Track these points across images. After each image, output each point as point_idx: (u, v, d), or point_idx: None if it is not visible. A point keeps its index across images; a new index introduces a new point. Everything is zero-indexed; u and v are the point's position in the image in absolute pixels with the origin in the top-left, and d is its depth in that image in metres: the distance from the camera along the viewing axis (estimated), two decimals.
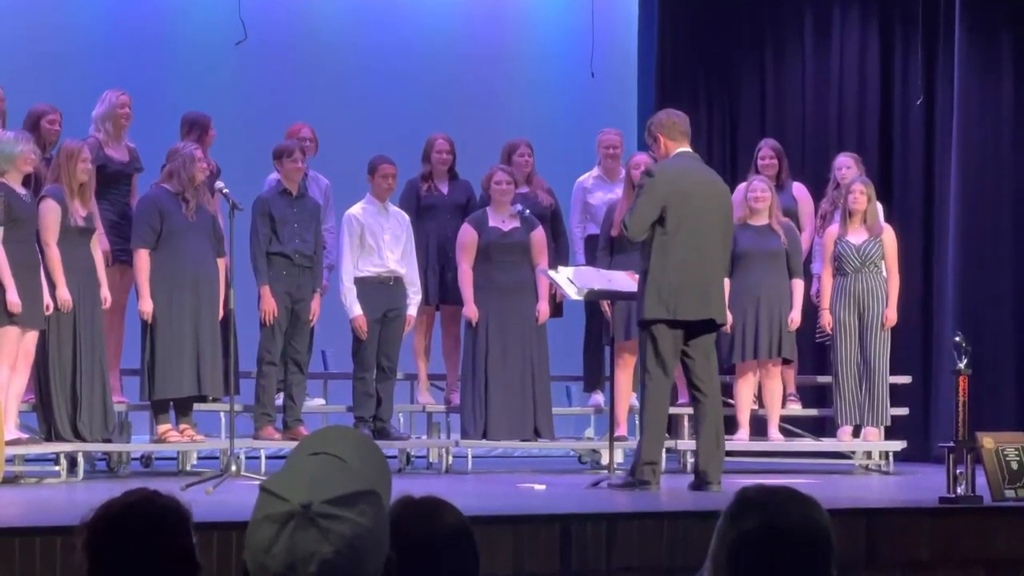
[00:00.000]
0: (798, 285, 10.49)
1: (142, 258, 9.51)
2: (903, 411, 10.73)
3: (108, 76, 10.74)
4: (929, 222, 11.71)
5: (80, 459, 9.23)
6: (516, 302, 10.37)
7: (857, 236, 10.38)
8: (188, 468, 10.07)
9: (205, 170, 9.62)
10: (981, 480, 7.66)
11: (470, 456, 10.45)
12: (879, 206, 10.63)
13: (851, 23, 12.12)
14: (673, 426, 9.96)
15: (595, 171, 11.06)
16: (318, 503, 2.18)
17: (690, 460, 9.55)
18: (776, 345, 10.39)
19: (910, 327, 11.22)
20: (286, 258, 9.92)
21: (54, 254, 9.01)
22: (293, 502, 2.19)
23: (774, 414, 10.53)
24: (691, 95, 12.18)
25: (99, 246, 9.36)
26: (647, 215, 8.42)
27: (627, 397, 10.22)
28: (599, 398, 11.06)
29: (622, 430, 10.16)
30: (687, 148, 8.67)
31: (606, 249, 10.31)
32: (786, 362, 10.63)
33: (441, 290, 10.65)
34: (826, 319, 10.47)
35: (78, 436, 9.16)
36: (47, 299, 8.96)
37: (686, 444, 9.90)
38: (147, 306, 9.49)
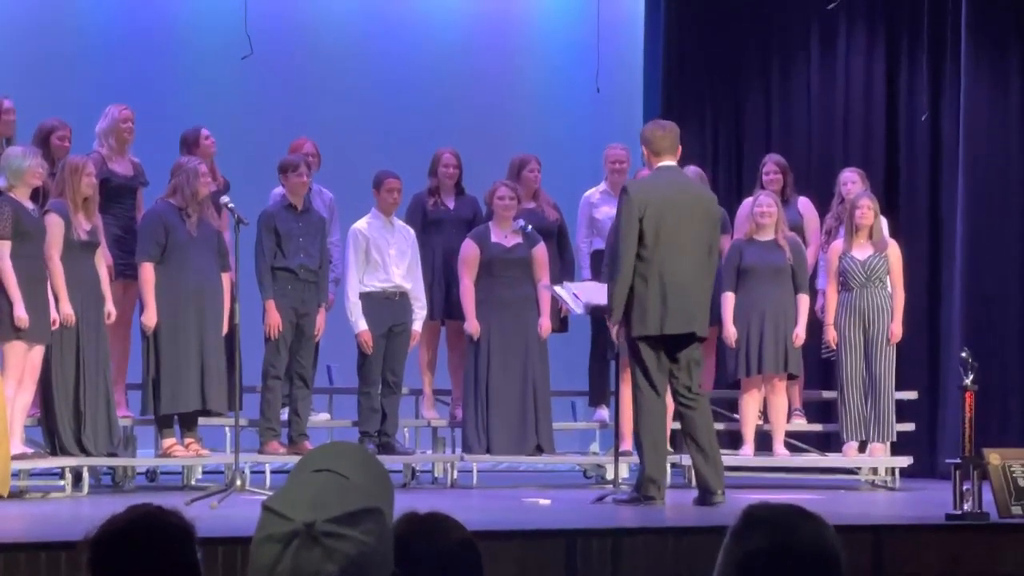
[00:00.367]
0: (803, 301, 10.47)
1: (147, 271, 9.51)
2: (909, 427, 10.71)
3: (115, 90, 10.75)
4: (935, 237, 11.69)
5: (85, 473, 9.23)
6: (518, 317, 10.36)
7: (862, 251, 10.37)
8: (193, 482, 10.06)
9: (209, 185, 9.62)
10: (988, 496, 7.64)
11: (475, 471, 10.44)
12: (884, 221, 10.62)
13: (857, 38, 12.11)
14: (677, 441, 9.94)
15: (602, 186, 11.06)
16: (322, 522, 2.17)
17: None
18: (782, 360, 10.37)
19: (916, 343, 11.20)
20: (291, 272, 9.92)
21: (58, 268, 9.02)
22: (296, 521, 2.18)
23: (779, 429, 10.51)
24: (697, 110, 12.18)
25: (103, 260, 9.36)
26: (629, 235, 8.45)
27: (632, 412, 10.20)
28: (604, 413, 11.05)
29: (627, 445, 10.13)
30: (670, 162, 8.64)
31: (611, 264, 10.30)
32: (792, 377, 10.62)
33: (447, 305, 10.64)
34: (831, 334, 10.45)
35: (83, 450, 9.16)
36: (53, 314, 8.96)
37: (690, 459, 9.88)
38: (151, 320, 9.49)
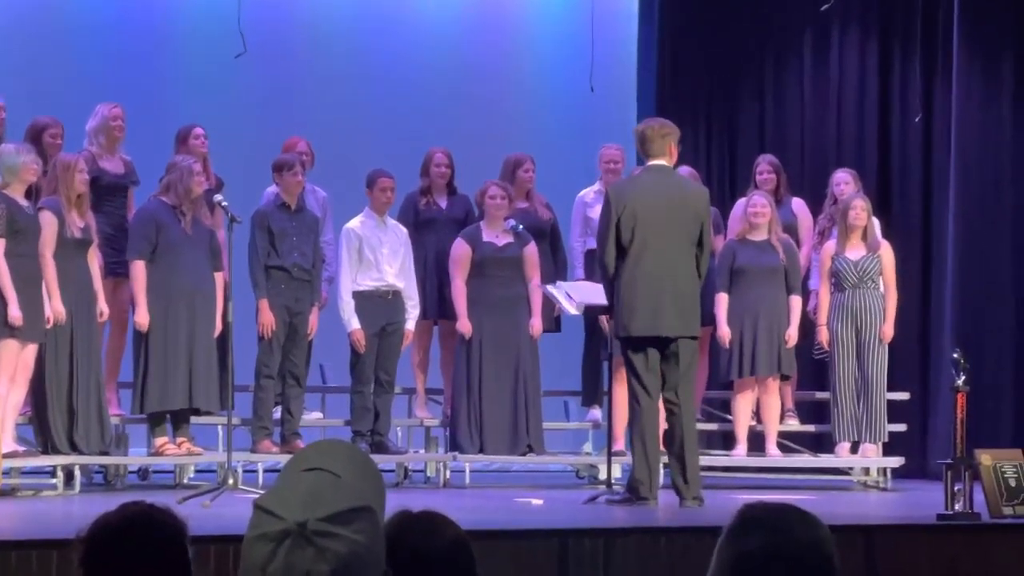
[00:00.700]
0: (796, 302, 10.48)
1: (138, 269, 9.50)
2: (901, 427, 10.72)
3: (108, 89, 10.75)
4: (927, 238, 11.70)
5: (77, 472, 9.22)
6: (509, 317, 10.37)
7: (855, 252, 10.38)
8: (185, 481, 10.06)
9: (203, 183, 9.61)
10: (979, 497, 7.65)
11: (468, 470, 10.44)
12: (877, 222, 10.63)
13: (850, 40, 12.12)
14: None
15: (596, 185, 11.05)
16: (314, 520, 2.17)
17: None
18: (775, 361, 10.38)
19: (908, 343, 11.22)
20: (284, 272, 9.91)
21: (51, 266, 9.00)
22: (288, 520, 2.18)
23: (772, 430, 10.52)
24: (691, 110, 12.19)
25: (95, 259, 9.35)
26: (608, 237, 8.46)
27: (625, 412, 10.18)
28: (597, 413, 11.05)
29: (619, 445, 10.13)
30: (659, 161, 8.60)
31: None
32: (784, 378, 10.62)
33: (439, 304, 10.64)
34: (823, 335, 10.46)
35: (75, 449, 9.15)
36: (48, 312, 8.95)
37: None
38: (143, 317, 9.48)
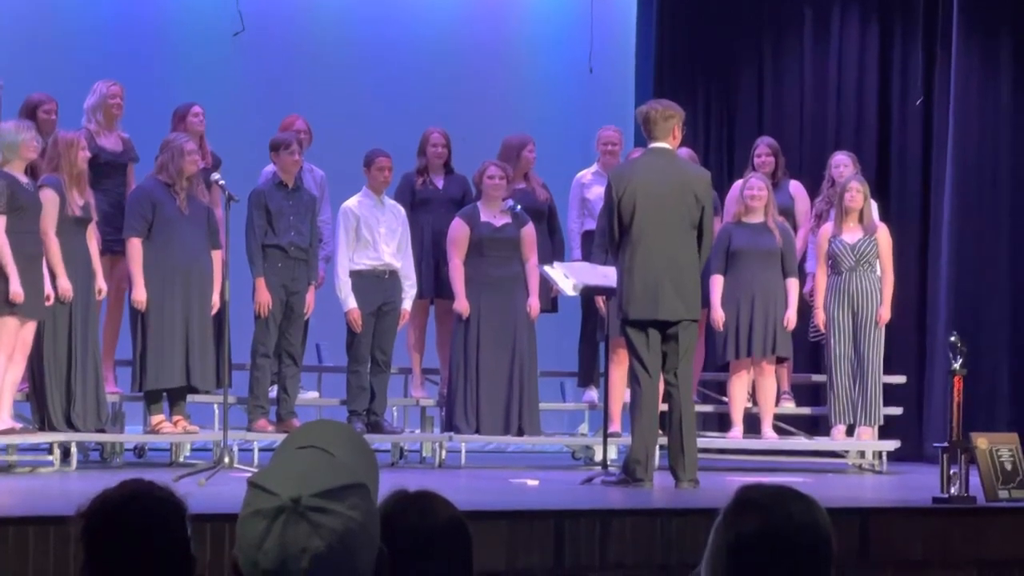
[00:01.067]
0: (793, 284, 10.49)
1: (134, 247, 9.50)
2: (897, 411, 10.73)
3: (105, 67, 10.73)
4: (925, 221, 11.71)
5: (73, 449, 9.23)
6: (507, 297, 10.37)
7: (852, 235, 10.38)
8: (181, 459, 10.08)
9: (196, 162, 9.60)
10: (975, 480, 7.66)
11: (463, 451, 10.44)
12: (874, 205, 10.63)
13: (850, 21, 12.11)
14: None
15: (594, 167, 11.06)
16: (308, 497, 2.17)
17: None
18: (771, 343, 10.39)
19: (904, 326, 11.23)
20: (281, 250, 9.91)
21: (54, 244, 9.00)
22: (283, 496, 2.18)
23: (768, 412, 10.53)
24: (689, 92, 12.17)
25: (94, 236, 9.35)
26: (609, 220, 8.48)
27: (621, 393, 10.20)
28: (593, 394, 11.06)
29: (616, 426, 10.14)
30: (661, 144, 8.59)
31: (602, 245, 10.29)
32: (780, 360, 10.63)
33: (435, 284, 10.64)
34: (820, 318, 10.47)
35: (71, 426, 9.16)
36: (48, 289, 8.95)
37: None
38: (141, 295, 9.49)
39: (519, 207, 10.37)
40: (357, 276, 10.16)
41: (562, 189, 11.06)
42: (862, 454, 10.58)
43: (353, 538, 2.17)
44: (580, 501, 7.78)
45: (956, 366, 7.79)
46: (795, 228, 10.81)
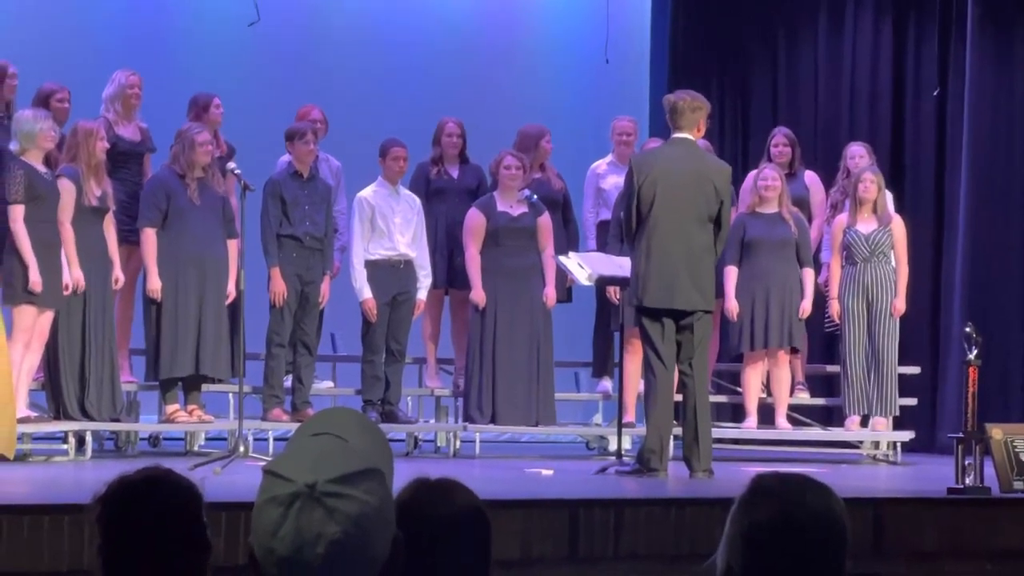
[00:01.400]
0: (808, 274, 10.48)
1: (149, 237, 9.53)
2: (911, 401, 10.72)
3: (121, 56, 10.75)
4: (939, 212, 11.69)
5: (88, 438, 9.26)
6: (524, 287, 10.37)
7: (866, 225, 10.36)
8: (196, 448, 10.10)
9: (209, 153, 9.62)
10: (989, 471, 7.65)
11: (478, 441, 10.45)
12: (889, 195, 10.61)
13: (865, 11, 12.09)
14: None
15: (608, 157, 11.06)
16: (323, 482, 2.18)
17: None
18: (786, 334, 10.38)
19: (919, 317, 11.21)
20: (296, 240, 9.92)
21: (69, 234, 9.03)
22: (298, 482, 2.19)
23: (782, 403, 10.53)
24: (703, 82, 12.12)
25: (111, 226, 9.37)
26: (628, 208, 8.49)
27: (635, 384, 10.20)
28: (607, 384, 11.06)
29: (630, 416, 10.14)
30: (684, 134, 8.61)
31: (617, 235, 10.29)
32: (795, 351, 10.62)
33: (450, 274, 10.64)
34: (834, 308, 10.46)
35: (86, 415, 9.18)
36: (65, 278, 8.98)
37: None
38: (155, 284, 9.51)
39: (535, 197, 10.37)
40: (372, 266, 10.17)
41: (577, 179, 11.06)
42: (876, 445, 10.57)
43: (369, 523, 2.17)
44: (595, 491, 7.79)
45: (971, 357, 7.77)
46: (810, 219, 10.80)
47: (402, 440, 10.39)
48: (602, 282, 9.77)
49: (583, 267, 9.55)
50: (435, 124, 10.76)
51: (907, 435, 10.42)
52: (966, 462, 7.56)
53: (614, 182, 10.76)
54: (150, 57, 11.28)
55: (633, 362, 10.08)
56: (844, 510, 2.55)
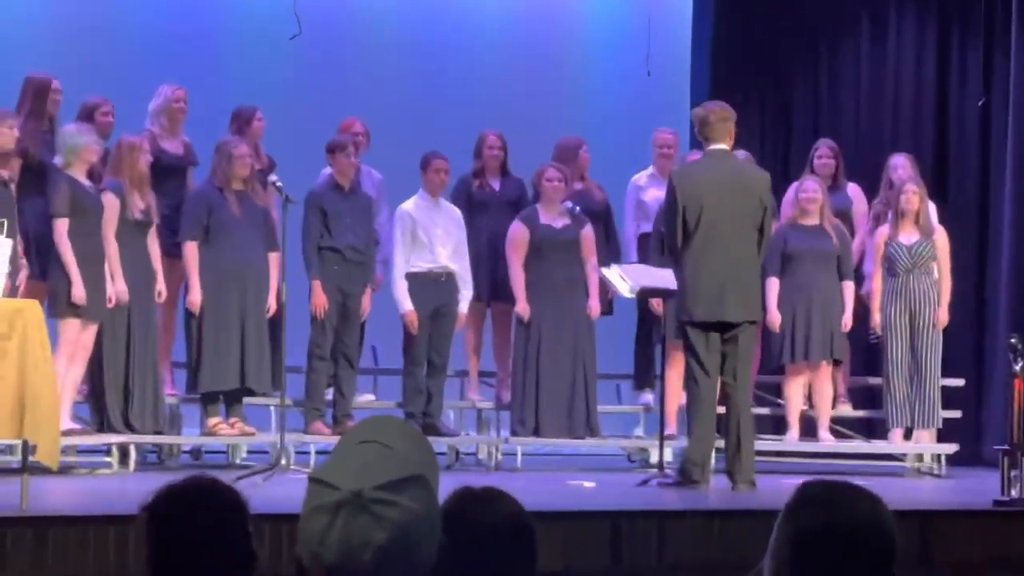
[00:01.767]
0: (849, 286, 10.45)
1: (190, 250, 9.56)
2: (956, 414, 10.65)
3: (162, 70, 10.78)
4: (983, 223, 11.62)
5: (132, 450, 9.29)
6: (568, 299, 10.35)
7: (908, 237, 10.32)
8: (237, 461, 10.11)
9: (247, 166, 9.64)
10: None
11: (519, 453, 10.43)
12: (932, 207, 10.56)
13: (908, 21, 12.04)
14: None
15: (649, 170, 11.04)
16: (369, 489, 2.17)
17: None
18: (828, 346, 10.34)
19: (963, 329, 11.14)
20: (337, 253, 9.93)
21: (113, 247, 9.08)
22: (344, 490, 2.18)
23: (824, 415, 10.48)
24: (745, 94, 12.12)
25: (156, 239, 9.41)
26: (673, 223, 8.47)
27: (677, 396, 10.18)
28: (649, 396, 11.03)
29: (672, 429, 10.12)
30: (720, 145, 8.62)
31: (658, 247, 10.27)
32: (837, 363, 10.58)
33: (492, 286, 10.63)
34: (876, 320, 10.41)
35: (129, 428, 9.21)
36: (108, 291, 9.03)
37: None
38: (195, 297, 9.54)
39: (578, 208, 10.36)
40: (413, 278, 10.17)
41: (618, 192, 11.04)
42: (920, 457, 10.51)
43: (415, 530, 2.17)
44: (637, 502, 7.77)
45: (1016, 368, 7.73)
46: (853, 231, 10.76)
47: (443, 453, 10.38)
48: (644, 294, 9.75)
49: (625, 279, 9.53)
50: (476, 137, 10.77)
51: (951, 447, 10.36)
52: (1012, 474, 7.52)
53: (655, 195, 10.74)
54: (193, 70, 11.31)
55: (675, 374, 10.06)
56: (892, 518, 2.53)
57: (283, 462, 8.44)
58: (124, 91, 10.26)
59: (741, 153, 9.91)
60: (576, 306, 10.36)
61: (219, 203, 9.56)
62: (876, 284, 10.44)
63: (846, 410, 10.88)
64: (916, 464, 10.51)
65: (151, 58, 11.74)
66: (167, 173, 9.81)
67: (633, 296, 9.81)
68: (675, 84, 12.69)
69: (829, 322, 10.34)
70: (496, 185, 10.75)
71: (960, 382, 10.82)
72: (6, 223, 7.13)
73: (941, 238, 10.38)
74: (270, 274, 9.63)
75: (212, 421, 9.69)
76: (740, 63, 12.43)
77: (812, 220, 10.40)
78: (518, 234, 10.33)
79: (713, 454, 8.69)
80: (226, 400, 9.74)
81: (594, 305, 10.40)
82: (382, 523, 2.16)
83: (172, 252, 9.72)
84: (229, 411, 9.74)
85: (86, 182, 9.00)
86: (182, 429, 10.11)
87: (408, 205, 10.23)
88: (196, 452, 10.47)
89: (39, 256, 9.02)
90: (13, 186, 8.63)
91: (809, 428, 10.53)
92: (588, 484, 8.89)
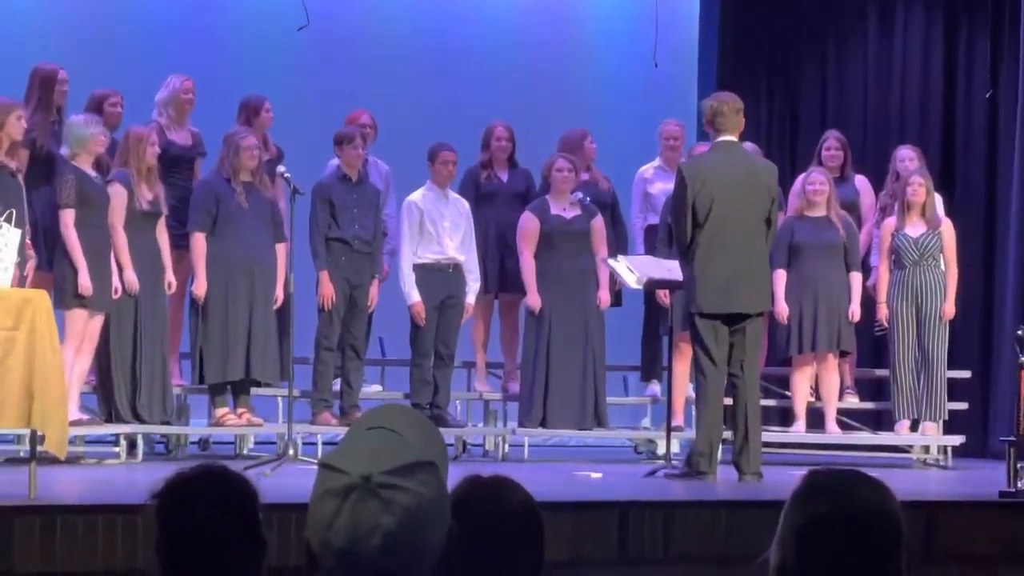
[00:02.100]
0: (856, 278, 10.44)
1: (198, 241, 9.57)
2: (962, 406, 10.66)
3: (170, 61, 10.80)
4: (991, 215, 11.62)
5: (139, 441, 9.31)
6: (578, 290, 10.36)
7: (915, 229, 10.32)
8: (245, 452, 10.13)
9: (255, 158, 9.64)
10: None
11: (526, 444, 10.45)
12: (938, 199, 10.56)
13: (915, 13, 12.03)
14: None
15: (656, 161, 11.04)
16: (378, 474, 2.18)
17: None
18: (835, 337, 10.34)
19: (969, 321, 11.14)
20: (345, 244, 9.94)
21: (121, 238, 9.11)
22: (353, 474, 2.19)
23: (831, 407, 10.49)
24: (752, 86, 12.11)
25: (165, 230, 9.43)
26: (682, 215, 8.47)
27: (684, 387, 10.19)
28: (656, 388, 11.04)
29: (678, 420, 10.14)
30: (729, 137, 8.62)
31: (665, 240, 10.28)
32: (844, 354, 10.58)
33: (500, 278, 10.65)
34: (883, 312, 10.41)
35: (137, 418, 9.24)
36: (115, 283, 9.05)
37: None
38: (202, 288, 9.55)
39: (588, 199, 10.37)
40: (421, 270, 10.18)
41: (625, 183, 11.04)
42: (926, 449, 10.52)
43: (424, 515, 2.18)
44: (644, 493, 7.78)
45: (1023, 360, 7.73)
46: (860, 223, 10.76)
47: (451, 444, 10.38)
48: (651, 285, 9.75)
49: (632, 271, 9.54)
50: (484, 128, 10.78)
51: (957, 439, 10.37)
52: (1018, 466, 7.52)
53: (661, 187, 10.74)
54: (201, 61, 11.32)
55: (682, 366, 10.07)
56: (899, 506, 2.54)
57: (290, 453, 8.45)
58: (132, 82, 10.27)
59: (748, 145, 9.91)
60: (586, 297, 10.37)
61: (227, 194, 9.57)
62: (882, 276, 10.44)
63: (853, 402, 10.89)
64: (922, 456, 10.52)
65: (159, 49, 11.75)
66: (174, 164, 9.83)
67: (640, 287, 9.81)
68: (682, 76, 12.69)
69: (836, 314, 10.34)
70: (504, 177, 10.76)
71: (966, 374, 10.83)
72: (14, 213, 7.15)
73: (948, 230, 10.38)
74: (278, 265, 9.64)
75: (220, 412, 9.71)
76: (747, 54, 12.42)
77: (819, 212, 10.40)
78: (529, 225, 10.33)
79: (720, 445, 8.70)
80: (233, 391, 9.76)
81: (604, 296, 10.40)
82: (391, 508, 2.17)
83: (179, 243, 9.73)
84: (237, 402, 9.76)
85: (92, 173, 9.02)
86: (190, 420, 10.13)
87: (416, 196, 10.24)
88: (204, 443, 10.49)
89: (48, 247, 9.04)
90: (21, 177, 8.65)
91: (815, 420, 10.54)
92: (595, 475, 8.90)
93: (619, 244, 10.69)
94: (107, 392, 9.26)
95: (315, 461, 8.14)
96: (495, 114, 10.99)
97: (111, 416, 9.24)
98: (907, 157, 10.73)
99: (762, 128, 12.11)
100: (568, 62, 13.13)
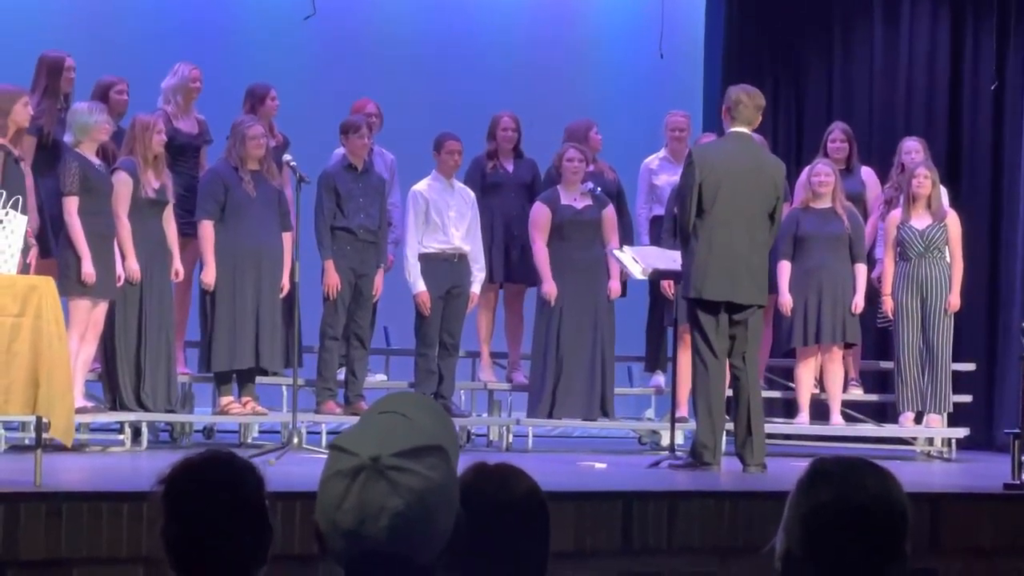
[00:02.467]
0: (861, 270, 10.44)
1: (206, 229, 9.57)
2: (966, 398, 10.66)
3: (177, 49, 10.80)
4: (997, 207, 11.62)
5: (144, 428, 9.32)
6: (589, 280, 10.36)
7: (920, 221, 10.32)
8: (249, 440, 10.14)
9: (261, 147, 9.65)
10: None
11: (531, 435, 10.46)
12: (943, 191, 10.56)
13: (921, 4, 12.02)
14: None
15: (661, 152, 11.04)
16: (387, 456, 2.19)
17: None
18: (840, 329, 10.35)
19: (975, 314, 11.14)
20: (350, 233, 9.94)
21: (125, 226, 9.11)
22: (362, 456, 2.20)
23: (836, 399, 10.49)
24: (758, 77, 12.05)
25: (172, 218, 9.43)
26: (688, 197, 8.47)
27: (688, 378, 10.17)
28: (660, 379, 11.05)
29: (683, 411, 10.13)
30: (742, 128, 8.62)
31: (671, 230, 10.28)
32: (848, 346, 10.58)
33: (506, 268, 10.65)
34: (888, 304, 10.41)
35: (142, 406, 9.24)
36: (118, 270, 9.05)
37: None
38: (210, 277, 9.55)
39: (599, 189, 10.37)
40: (426, 259, 10.18)
41: (630, 174, 11.04)
42: (931, 442, 10.52)
43: (432, 498, 2.18)
44: (648, 483, 7.79)
45: None
46: (866, 215, 10.76)
47: None
48: (656, 276, 9.76)
49: (637, 261, 9.55)
50: (490, 118, 10.78)
51: (962, 431, 10.37)
52: (1022, 458, 7.53)
53: (666, 179, 10.75)
54: (207, 49, 11.32)
55: (686, 357, 10.03)
56: (904, 494, 2.54)
57: (294, 441, 8.46)
58: (139, 69, 10.27)
59: (756, 138, 9.91)
60: (596, 287, 10.37)
61: (234, 183, 9.58)
62: (887, 268, 10.44)
63: (857, 394, 10.89)
64: (927, 448, 10.52)
65: (166, 36, 11.75)
66: (181, 152, 9.83)
67: (645, 278, 9.82)
68: (688, 67, 12.68)
69: (840, 306, 10.34)
70: (510, 167, 10.76)
71: (971, 366, 10.83)
72: (20, 200, 7.15)
73: (953, 222, 10.38)
74: (284, 254, 9.64)
75: (224, 400, 9.72)
76: (753, 45, 12.41)
77: (824, 203, 10.40)
78: (541, 215, 10.33)
79: (724, 436, 8.71)
80: (239, 379, 9.76)
81: (614, 286, 10.41)
82: (399, 490, 2.17)
83: (186, 231, 9.74)
84: (242, 390, 9.76)
85: (96, 161, 9.02)
86: (194, 408, 10.14)
87: (421, 186, 10.24)
88: (208, 431, 10.50)
89: (55, 234, 9.04)
90: (26, 164, 8.65)
91: (819, 412, 10.54)
92: (599, 465, 8.91)
93: (624, 235, 10.68)
94: (112, 380, 9.27)
95: (319, 451, 8.19)
96: (501, 105, 11.00)
97: (115, 404, 9.25)
98: (913, 149, 10.72)
99: (767, 120, 12.05)
100: (574, 53, 13.13)
